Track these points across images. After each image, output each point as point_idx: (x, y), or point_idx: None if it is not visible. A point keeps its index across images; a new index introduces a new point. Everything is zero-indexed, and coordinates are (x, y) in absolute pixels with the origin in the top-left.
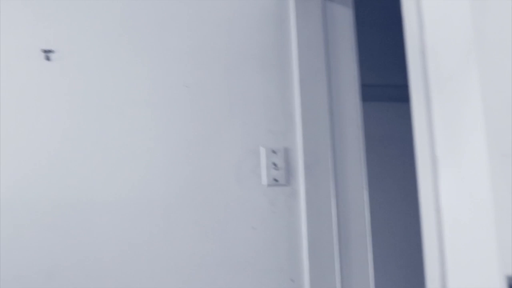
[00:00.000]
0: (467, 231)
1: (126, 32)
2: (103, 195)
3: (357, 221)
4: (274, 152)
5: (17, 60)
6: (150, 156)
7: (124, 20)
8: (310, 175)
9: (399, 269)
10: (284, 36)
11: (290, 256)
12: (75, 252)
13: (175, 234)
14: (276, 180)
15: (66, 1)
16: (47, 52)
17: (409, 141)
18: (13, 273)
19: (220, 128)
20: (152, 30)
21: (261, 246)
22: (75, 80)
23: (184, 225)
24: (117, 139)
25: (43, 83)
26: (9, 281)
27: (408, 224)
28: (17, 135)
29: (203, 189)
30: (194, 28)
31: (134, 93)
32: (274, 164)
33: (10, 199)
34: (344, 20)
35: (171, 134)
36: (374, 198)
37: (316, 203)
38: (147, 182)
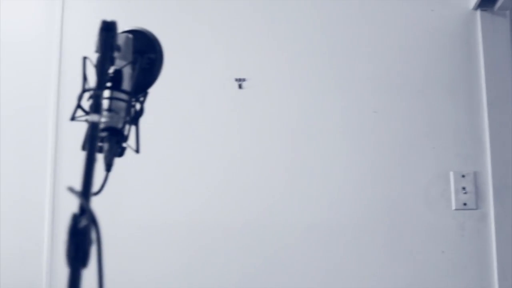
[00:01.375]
0: None
1: (313, 60)
2: (292, 218)
3: None
4: (463, 176)
5: (213, 89)
6: (339, 180)
7: (310, 49)
8: (500, 199)
9: None
10: (471, 58)
11: (479, 280)
12: (265, 273)
13: (364, 257)
14: (465, 204)
15: (256, 33)
16: (239, 81)
17: None
18: None
19: (409, 152)
20: (339, 57)
21: (450, 270)
22: (265, 107)
23: (373, 248)
24: (307, 164)
25: (236, 110)
26: None
27: None
28: (209, 158)
29: (392, 213)
30: (381, 54)
31: (323, 119)
32: (463, 188)
33: (202, 220)
34: None
35: (359, 158)
36: None
37: (506, 226)
38: (336, 205)
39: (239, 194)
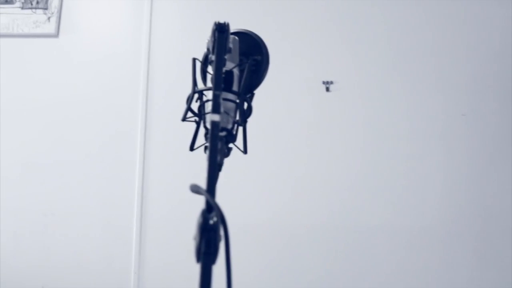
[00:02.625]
0: None
1: (401, 63)
2: (380, 221)
3: None
4: None
5: (300, 92)
6: (426, 184)
7: (398, 52)
8: None
9: None
10: None
11: None
12: (355, 273)
13: (452, 261)
14: None
15: (343, 37)
16: (327, 84)
17: None
18: None
19: (498, 156)
20: (427, 61)
21: None
22: (353, 110)
23: (462, 252)
24: (394, 166)
25: (323, 113)
26: None
27: None
28: (296, 160)
29: (481, 217)
30: (469, 58)
31: (410, 122)
32: None
33: (289, 220)
34: None
35: (447, 162)
36: None
37: None
38: (424, 210)
39: (326, 194)
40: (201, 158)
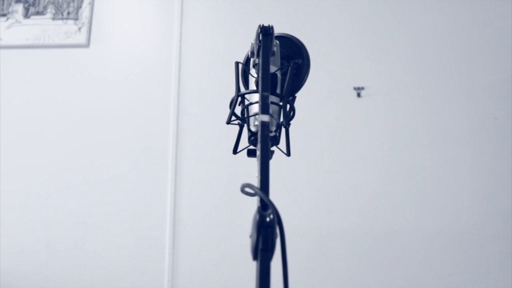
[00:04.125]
0: None
1: (432, 68)
2: (410, 226)
3: None
4: None
5: (331, 97)
6: (459, 187)
7: (429, 57)
8: None
9: None
10: None
11: None
12: (382, 278)
13: (488, 265)
14: None
15: (374, 42)
16: (358, 89)
17: None
18: None
19: None
20: (458, 65)
21: None
22: (384, 115)
23: (499, 256)
24: (427, 171)
25: (354, 119)
26: None
27: None
28: (326, 165)
29: None
30: (501, 62)
31: (442, 127)
32: None
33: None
34: None
35: (480, 165)
36: None
37: None
38: (458, 213)
39: (358, 199)
40: (232, 168)
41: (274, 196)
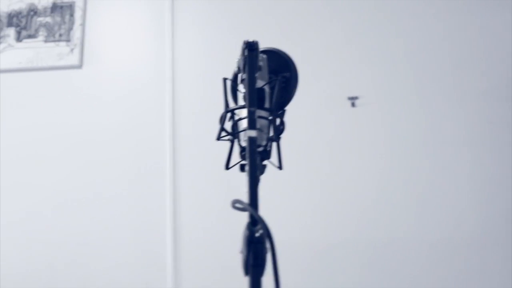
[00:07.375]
0: None
1: (426, 77)
2: (410, 234)
3: None
4: None
5: (326, 107)
6: (458, 194)
7: (423, 65)
8: None
9: None
10: None
11: None
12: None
13: (490, 271)
14: None
15: (369, 51)
16: (352, 99)
17: None
18: None
19: None
20: (453, 73)
21: None
22: (379, 125)
23: (500, 262)
24: (423, 178)
25: (349, 127)
26: None
27: None
28: (320, 175)
29: None
30: (495, 68)
31: (438, 135)
32: None
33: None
34: None
35: (477, 170)
36: None
37: None
38: (457, 220)
39: (354, 209)
40: (229, 182)
41: (271, 209)
